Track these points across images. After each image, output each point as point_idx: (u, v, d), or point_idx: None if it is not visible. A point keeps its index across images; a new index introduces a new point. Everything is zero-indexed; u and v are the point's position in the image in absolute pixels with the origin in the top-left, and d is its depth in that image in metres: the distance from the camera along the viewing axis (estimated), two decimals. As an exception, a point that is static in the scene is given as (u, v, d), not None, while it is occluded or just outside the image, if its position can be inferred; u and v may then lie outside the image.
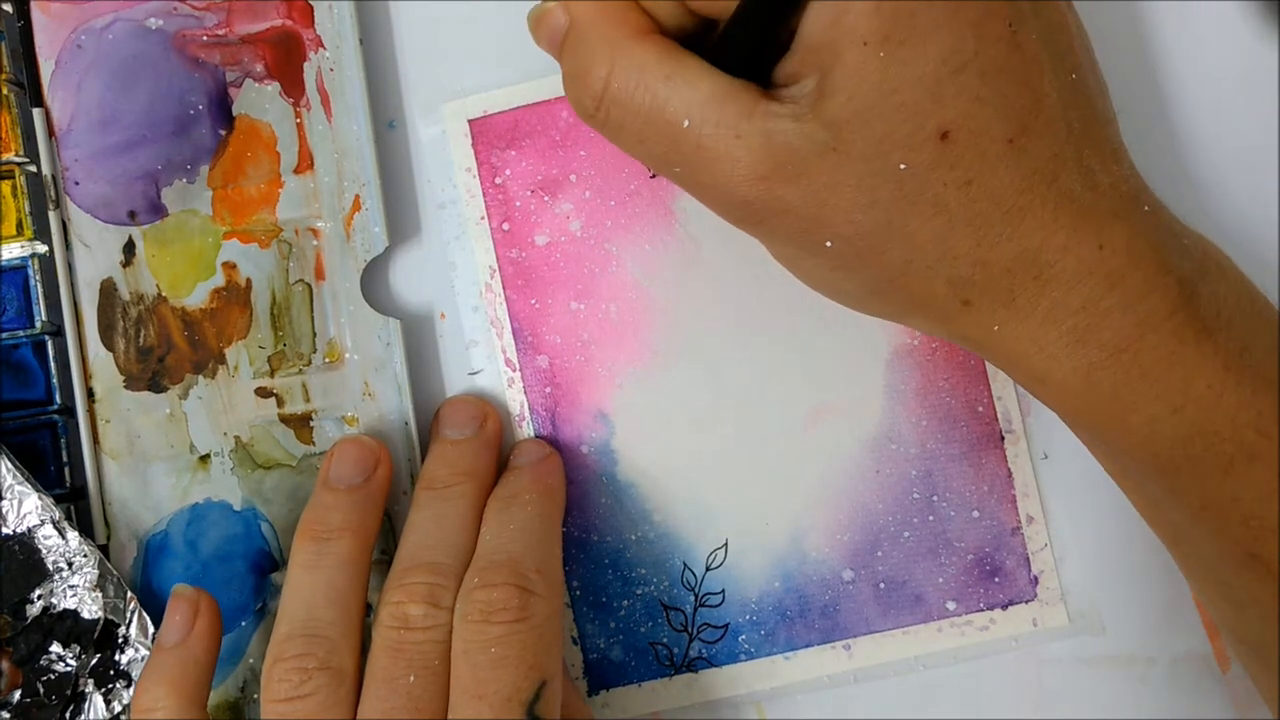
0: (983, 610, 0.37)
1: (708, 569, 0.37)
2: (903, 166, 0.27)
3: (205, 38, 0.37)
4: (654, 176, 0.37)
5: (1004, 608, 0.37)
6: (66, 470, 0.37)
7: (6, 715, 0.35)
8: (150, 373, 0.37)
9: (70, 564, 0.35)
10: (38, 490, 0.35)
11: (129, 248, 0.37)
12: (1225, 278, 0.29)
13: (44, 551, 0.35)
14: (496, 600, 0.31)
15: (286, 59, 0.37)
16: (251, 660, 0.36)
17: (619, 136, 0.30)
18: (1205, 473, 0.28)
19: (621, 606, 0.37)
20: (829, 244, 0.29)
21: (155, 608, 0.35)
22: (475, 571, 0.32)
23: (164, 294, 0.37)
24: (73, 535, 0.35)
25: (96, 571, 0.35)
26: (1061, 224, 0.28)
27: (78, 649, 0.35)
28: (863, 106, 0.27)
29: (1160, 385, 0.28)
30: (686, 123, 0.28)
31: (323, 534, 0.33)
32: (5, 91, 0.37)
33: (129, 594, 0.35)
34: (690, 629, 0.37)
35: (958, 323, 0.29)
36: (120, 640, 0.35)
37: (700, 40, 0.29)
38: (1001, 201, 0.27)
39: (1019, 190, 0.27)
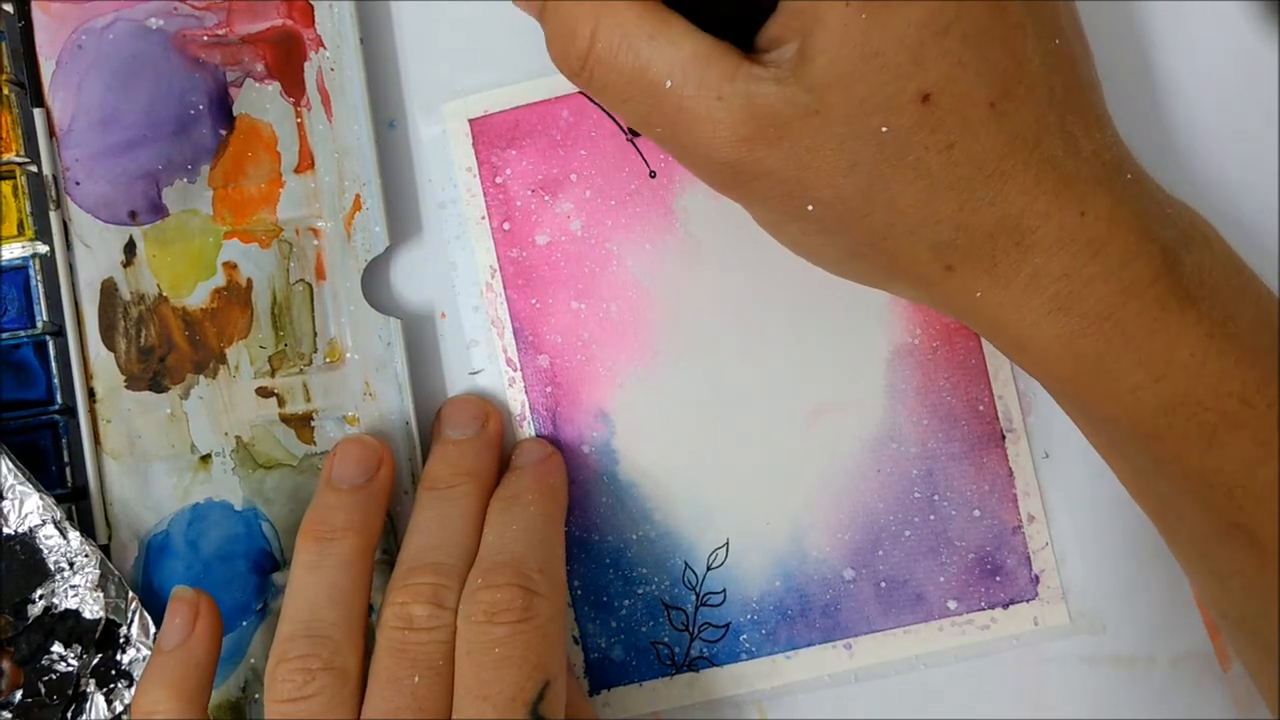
0: (984, 609, 0.37)
1: (709, 568, 0.37)
2: (884, 129, 0.27)
3: (205, 37, 0.36)
4: (654, 176, 0.37)
5: (1005, 607, 0.37)
6: (68, 470, 0.37)
7: (8, 715, 0.35)
8: (151, 373, 0.37)
9: (71, 564, 0.35)
10: (39, 490, 0.35)
11: (130, 248, 0.37)
12: (1210, 248, 0.29)
13: (45, 551, 0.35)
14: (500, 601, 0.31)
15: (287, 59, 0.37)
16: (253, 660, 0.36)
17: (603, 95, 0.30)
18: (1189, 442, 0.28)
19: (623, 606, 0.37)
20: (810, 208, 0.29)
21: (157, 608, 0.35)
22: (479, 572, 0.32)
23: (165, 294, 0.37)
24: (74, 535, 0.35)
25: (98, 571, 0.35)
26: (1043, 190, 0.28)
27: (79, 649, 0.35)
28: (844, 69, 0.27)
29: (1143, 353, 0.28)
30: (669, 83, 0.28)
31: (325, 534, 0.33)
32: (6, 91, 0.37)
33: (130, 594, 0.35)
34: (691, 628, 0.37)
35: (940, 288, 0.29)
36: (122, 640, 0.35)
37: (684, 2, 0.29)
38: (983, 166, 0.27)
39: (1001, 155, 0.27)
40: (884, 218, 0.28)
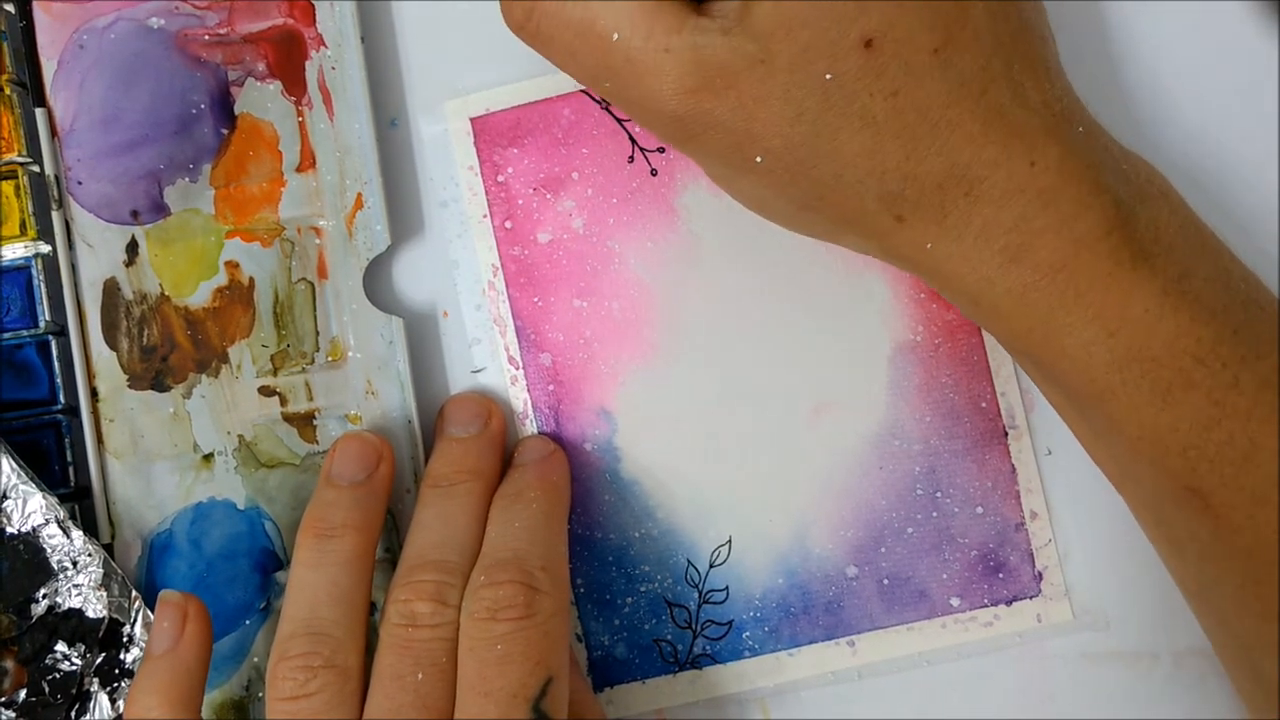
0: (986, 606, 0.37)
1: (711, 566, 0.37)
2: (829, 76, 0.27)
3: (207, 37, 0.37)
4: (655, 174, 0.37)
5: (1008, 604, 0.37)
6: (71, 469, 0.37)
7: (12, 714, 0.35)
8: (154, 372, 0.37)
9: (75, 563, 0.35)
10: (42, 490, 0.35)
11: (132, 247, 0.37)
12: (1167, 203, 0.29)
13: (48, 551, 0.35)
14: (503, 598, 0.31)
15: (288, 57, 0.37)
16: (256, 659, 0.36)
17: (550, 49, 0.30)
18: (1142, 401, 0.28)
19: (625, 604, 0.37)
20: (759, 159, 0.29)
21: (160, 607, 0.35)
22: (481, 569, 0.32)
23: (167, 293, 0.37)
24: (77, 534, 0.35)
25: (101, 570, 0.35)
26: (991, 139, 0.27)
27: (83, 648, 0.35)
28: (787, 15, 0.27)
29: (1095, 308, 0.28)
30: (616, 36, 0.28)
31: (326, 531, 0.33)
32: (8, 91, 0.37)
33: (133, 593, 0.35)
34: (694, 626, 0.37)
35: (891, 240, 0.29)
36: (125, 639, 0.35)
37: None
38: (928, 114, 0.27)
39: (946, 103, 0.27)
40: (831, 168, 0.28)
